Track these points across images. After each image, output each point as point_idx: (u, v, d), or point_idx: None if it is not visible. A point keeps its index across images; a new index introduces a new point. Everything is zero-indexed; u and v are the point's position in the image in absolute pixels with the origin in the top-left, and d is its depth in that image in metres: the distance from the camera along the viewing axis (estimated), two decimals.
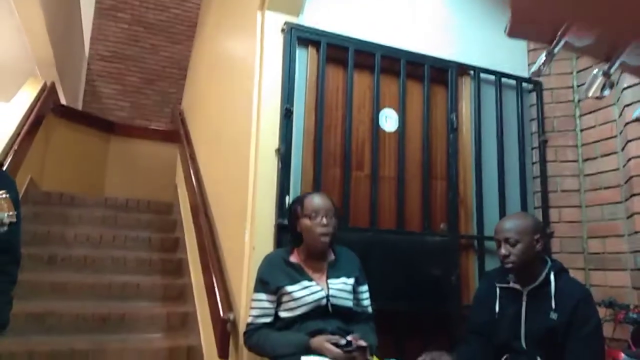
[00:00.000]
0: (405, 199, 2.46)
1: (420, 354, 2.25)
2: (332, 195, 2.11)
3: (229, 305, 2.16)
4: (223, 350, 2.05)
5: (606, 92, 0.31)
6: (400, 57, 2.54)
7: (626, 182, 2.38)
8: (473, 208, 2.61)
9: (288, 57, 2.28)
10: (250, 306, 1.87)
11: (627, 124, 2.35)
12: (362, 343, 1.67)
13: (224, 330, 2.05)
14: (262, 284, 1.86)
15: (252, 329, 1.84)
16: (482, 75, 2.73)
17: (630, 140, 2.33)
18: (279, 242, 2.10)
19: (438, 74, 2.64)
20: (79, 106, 5.99)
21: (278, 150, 2.16)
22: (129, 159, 5.38)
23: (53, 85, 4.63)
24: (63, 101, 5.15)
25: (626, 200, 2.38)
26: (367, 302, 2.00)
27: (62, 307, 2.80)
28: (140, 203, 4.27)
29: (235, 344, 2.09)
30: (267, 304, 1.84)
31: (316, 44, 2.40)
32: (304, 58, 2.37)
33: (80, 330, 2.69)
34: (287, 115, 2.20)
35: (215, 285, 2.27)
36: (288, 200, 2.14)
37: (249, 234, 2.12)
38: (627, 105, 2.36)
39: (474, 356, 2.00)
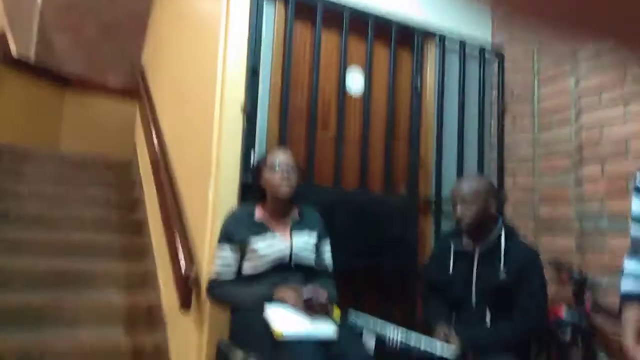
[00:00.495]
0: (368, 160, 2.50)
1: (377, 309, 2.36)
2: (297, 154, 2.13)
3: (191, 260, 2.17)
4: (185, 305, 2.07)
5: None
6: (369, 18, 2.52)
7: (577, 151, 2.50)
8: (432, 171, 2.69)
9: (255, 13, 2.22)
10: (214, 260, 1.89)
11: (582, 94, 2.45)
12: (323, 295, 1.73)
13: (185, 284, 2.06)
14: (226, 238, 1.88)
15: (215, 282, 1.87)
16: (447, 42, 2.76)
17: (583, 110, 2.44)
18: (243, 199, 2.10)
19: (404, 38, 2.65)
20: (31, 58, 5.66)
21: (244, 108, 2.14)
22: (85, 115, 5.17)
23: (3, 34, 4.35)
24: (14, 52, 4.85)
25: (576, 168, 2.51)
26: (328, 259, 2.05)
27: (15, 263, 2.73)
28: (98, 161, 4.15)
29: (198, 298, 2.11)
30: (230, 258, 1.87)
31: (284, 0, 2.35)
32: (272, 14, 2.33)
33: (34, 286, 2.63)
34: (253, 72, 2.16)
35: (176, 241, 2.26)
36: (253, 158, 2.13)
37: (212, 191, 2.11)
38: (583, 76, 2.45)
39: (441, 312, 2.10)
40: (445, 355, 1.71)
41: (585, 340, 2.08)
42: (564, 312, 2.10)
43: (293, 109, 2.37)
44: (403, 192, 2.62)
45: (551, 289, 2.29)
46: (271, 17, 2.32)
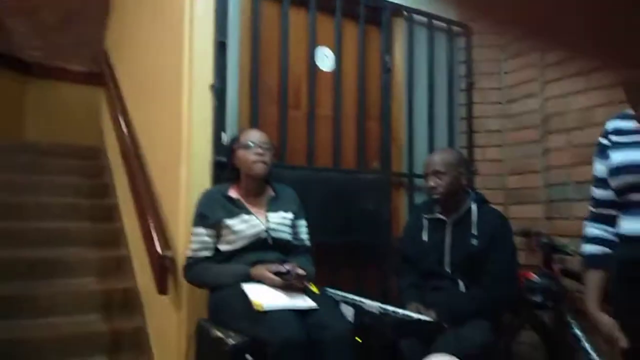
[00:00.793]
0: (341, 138, 2.51)
1: (353, 283, 2.40)
2: (270, 132, 2.11)
3: (166, 243, 2.15)
4: (162, 287, 2.06)
5: None
6: None
7: (543, 122, 2.57)
8: (404, 147, 2.72)
9: None
10: (190, 240, 1.88)
11: (546, 66, 2.51)
12: (300, 271, 1.74)
13: (162, 267, 2.05)
14: (201, 218, 1.87)
15: (192, 262, 1.86)
16: (415, 16, 2.77)
17: (548, 82, 2.50)
18: (216, 179, 2.09)
19: (372, 14, 2.65)
20: None
21: (212, 86, 2.11)
22: (49, 102, 5.00)
23: None
24: None
25: (543, 138, 2.58)
26: (305, 236, 2.07)
27: None
28: (65, 148, 4.04)
29: (174, 281, 2.10)
30: (206, 238, 1.86)
31: None
32: None
33: (8, 278, 2.57)
34: (220, 48, 2.13)
35: (150, 225, 2.23)
36: (224, 137, 2.11)
37: (184, 171, 2.08)
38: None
39: (413, 284, 2.16)
40: (423, 319, 1.76)
41: (555, 303, 2.16)
42: (534, 277, 2.18)
43: (264, 87, 2.36)
44: (376, 169, 2.65)
45: (522, 255, 2.38)
46: None
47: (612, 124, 1.25)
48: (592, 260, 1.30)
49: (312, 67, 2.46)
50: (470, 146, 2.89)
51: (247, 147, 1.90)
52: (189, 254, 1.87)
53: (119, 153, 3.20)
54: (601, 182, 1.26)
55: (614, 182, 1.17)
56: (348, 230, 2.45)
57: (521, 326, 2.28)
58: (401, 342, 1.76)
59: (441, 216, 2.15)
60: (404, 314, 1.74)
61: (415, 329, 1.73)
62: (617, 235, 1.22)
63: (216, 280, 1.80)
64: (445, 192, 2.07)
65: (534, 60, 2.70)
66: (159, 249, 2.08)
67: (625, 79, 1.06)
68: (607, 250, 1.27)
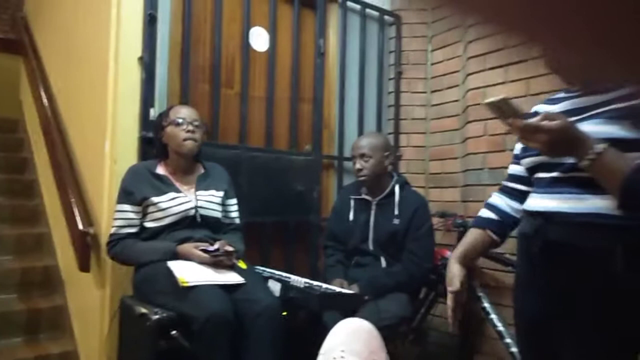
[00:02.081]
0: (274, 119, 2.54)
1: (282, 261, 2.46)
2: (201, 110, 2.10)
3: (88, 220, 2.09)
4: (84, 265, 2.01)
5: None
6: None
7: (463, 112, 2.74)
8: (335, 130, 2.81)
9: None
10: (114, 217, 1.85)
11: (469, 58, 2.68)
12: (229, 248, 1.77)
13: (84, 244, 2.00)
14: (126, 195, 1.84)
15: (116, 239, 1.83)
16: (349, 3, 2.84)
17: (470, 74, 2.66)
18: (143, 155, 2.05)
19: None
20: None
21: (141, 59, 2.06)
22: None
23: None
24: None
25: (462, 127, 2.76)
26: (235, 214, 2.09)
27: None
28: None
29: (97, 258, 2.06)
30: (131, 214, 1.83)
31: None
32: None
33: None
34: (150, 21, 2.07)
35: (72, 201, 2.16)
36: (153, 112, 2.07)
37: (109, 146, 2.03)
38: (470, 42, 2.67)
39: (338, 261, 2.26)
40: (344, 292, 1.86)
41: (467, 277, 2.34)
42: (448, 254, 2.35)
43: (195, 65, 2.33)
44: (308, 150, 2.71)
45: (439, 235, 2.55)
46: None
47: (535, 107, 1.30)
48: (475, 220, 1.37)
49: (246, 47, 2.45)
50: (397, 132, 3.03)
51: (177, 124, 1.88)
52: (113, 230, 1.83)
53: (39, 126, 3.03)
54: (516, 157, 1.31)
55: (524, 161, 1.23)
56: (278, 210, 2.50)
57: (436, 299, 2.45)
58: (325, 315, 1.85)
59: (367, 197, 2.27)
60: (327, 288, 1.82)
61: (337, 302, 1.83)
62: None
63: (141, 257, 1.77)
64: (371, 175, 2.18)
65: (458, 53, 2.86)
66: (80, 225, 2.02)
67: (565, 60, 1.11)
68: (493, 216, 1.33)
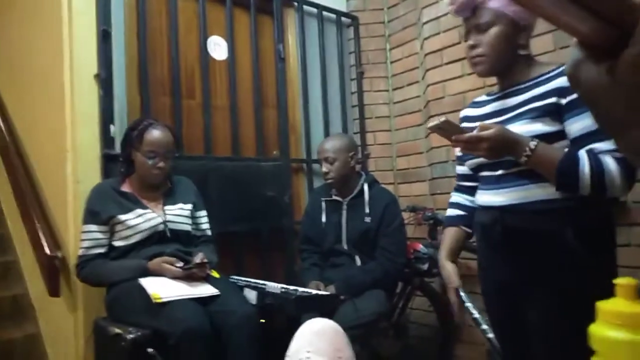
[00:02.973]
0: (239, 127, 2.54)
1: (258, 269, 2.46)
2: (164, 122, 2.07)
3: (55, 244, 2.04)
4: (54, 290, 1.96)
5: None
6: None
7: (425, 107, 2.80)
8: (302, 134, 2.82)
9: None
10: (81, 239, 1.81)
11: (426, 55, 2.73)
12: (198, 259, 1.76)
13: (52, 268, 1.95)
14: (91, 215, 1.81)
15: (85, 260, 1.79)
16: (305, 7, 2.86)
17: (428, 70, 2.72)
18: (106, 173, 2.02)
19: (264, 4, 2.69)
20: None
21: (97, 76, 2.02)
22: None
23: None
24: None
25: (425, 122, 2.81)
26: (206, 226, 2.08)
27: None
28: None
29: (67, 281, 2.01)
30: (98, 234, 1.80)
31: None
32: None
33: None
34: (104, 37, 2.04)
35: (37, 226, 2.10)
36: (113, 129, 2.04)
37: (71, 167, 1.99)
38: (426, 38, 2.73)
39: (314, 264, 2.27)
40: (321, 293, 1.87)
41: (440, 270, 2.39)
42: (420, 247, 2.39)
43: (154, 78, 2.30)
44: (276, 156, 2.71)
45: (410, 229, 2.59)
46: None
47: (463, 112, 1.44)
48: (447, 220, 1.52)
49: (205, 56, 2.44)
50: (363, 131, 3.07)
51: (148, 156, 1.83)
52: (81, 252, 1.80)
53: None
54: (459, 158, 1.45)
55: (468, 163, 1.35)
56: (251, 218, 2.50)
57: (413, 293, 2.49)
58: (302, 318, 1.86)
59: (337, 198, 2.29)
60: (303, 291, 1.83)
61: (314, 304, 1.84)
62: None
63: (111, 277, 1.75)
64: (338, 176, 2.21)
65: (415, 50, 2.92)
66: (47, 250, 1.97)
67: None
68: (461, 212, 1.48)
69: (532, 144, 1.10)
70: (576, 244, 1.12)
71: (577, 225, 1.13)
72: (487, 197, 1.28)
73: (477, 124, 1.14)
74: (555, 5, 0.42)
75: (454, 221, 1.49)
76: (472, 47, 1.25)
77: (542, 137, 1.13)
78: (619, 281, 0.51)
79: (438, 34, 2.66)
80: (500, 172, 1.24)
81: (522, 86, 1.23)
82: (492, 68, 1.25)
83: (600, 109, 0.44)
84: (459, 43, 2.56)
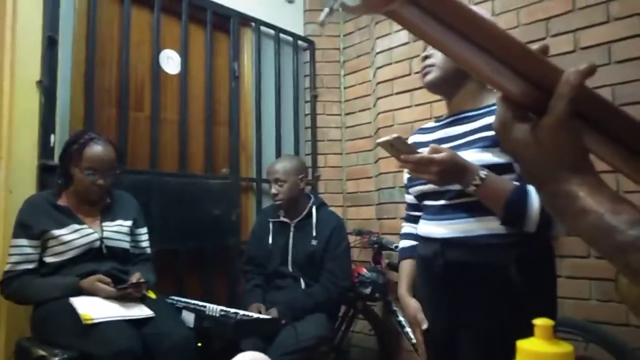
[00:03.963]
0: (188, 142, 2.50)
1: (200, 288, 2.39)
2: (109, 135, 2.00)
3: None
4: None
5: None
6: None
7: (375, 133, 2.86)
8: (253, 153, 2.81)
9: None
10: (9, 253, 1.70)
11: (378, 83, 2.81)
12: (134, 279, 1.70)
13: None
14: (23, 229, 1.71)
15: (12, 276, 1.68)
16: (263, 28, 2.88)
17: (380, 98, 2.80)
18: (42, 184, 1.92)
19: (221, 22, 2.69)
20: None
21: (40, 83, 1.94)
22: None
23: None
24: None
25: (374, 148, 2.88)
26: (145, 244, 2.01)
27: None
28: None
29: None
30: (29, 249, 1.70)
31: None
32: None
33: None
34: (50, 44, 1.96)
35: None
36: (54, 138, 1.96)
37: (4, 175, 1.88)
38: (379, 67, 2.81)
39: (257, 285, 2.24)
40: (261, 317, 1.84)
41: (382, 295, 2.43)
42: (364, 272, 2.42)
43: (101, 88, 2.24)
44: (225, 173, 2.68)
45: (356, 252, 2.62)
46: None
47: (411, 139, 1.39)
48: (402, 252, 1.47)
49: (156, 70, 2.40)
50: (314, 153, 3.09)
51: (87, 173, 1.76)
52: (7, 267, 1.68)
53: None
54: (406, 187, 1.41)
55: (412, 190, 1.32)
56: (195, 236, 2.44)
57: (355, 316, 2.51)
58: (242, 343, 1.82)
59: (285, 219, 2.29)
60: (243, 315, 1.80)
61: (255, 328, 1.81)
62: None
63: (40, 294, 1.64)
64: (286, 198, 2.21)
65: (368, 78, 3.00)
66: None
67: None
68: (414, 243, 1.41)
69: (483, 173, 1.06)
70: (518, 277, 1.09)
71: (519, 258, 1.11)
72: (428, 228, 1.25)
73: (425, 149, 1.10)
74: (488, 65, 0.45)
75: (408, 253, 1.43)
76: (426, 57, 1.24)
77: (491, 168, 1.08)
78: (537, 322, 0.53)
79: (390, 64, 2.75)
80: (442, 202, 1.21)
81: (473, 113, 1.21)
82: (440, 79, 1.22)
83: (524, 164, 0.48)
84: (409, 74, 2.66)
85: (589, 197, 0.41)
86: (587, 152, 0.45)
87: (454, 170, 1.06)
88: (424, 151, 1.10)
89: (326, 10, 0.40)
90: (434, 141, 1.24)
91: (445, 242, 1.18)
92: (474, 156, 1.11)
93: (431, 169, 1.05)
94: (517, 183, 1.08)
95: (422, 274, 1.33)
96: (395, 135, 1.05)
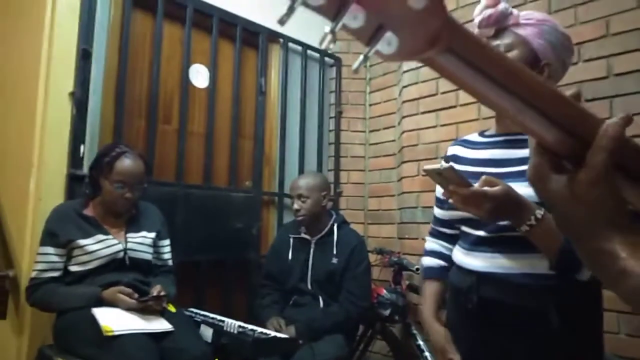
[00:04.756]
0: (213, 156, 2.52)
1: (219, 302, 2.40)
2: (136, 146, 2.05)
3: (8, 261, 1.95)
4: (0, 311, 1.86)
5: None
6: (213, 14, 2.54)
7: (399, 152, 2.85)
8: (276, 167, 2.82)
9: None
10: (35, 260, 1.74)
11: (404, 102, 2.80)
12: (155, 292, 1.71)
13: (1, 288, 1.86)
14: (50, 237, 1.74)
15: (37, 284, 1.72)
16: (290, 44, 2.91)
17: (405, 116, 2.78)
18: (70, 194, 1.96)
19: (250, 37, 2.73)
20: None
21: (72, 94, 1.99)
22: None
23: None
24: None
25: (398, 166, 2.86)
26: (167, 256, 2.02)
27: None
28: None
29: (16, 304, 1.92)
30: (55, 258, 1.74)
31: None
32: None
33: None
34: (84, 56, 2.02)
35: None
36: (83, 149, 2.00)
37: (34, 184, 1.93)
38: (405, 86, 2.80)
39: (275, 301, 2.23)
40: (279, 336, 1.83)
41: (402, 317, 2.39)
42: (384, 293, 2.39)
43: (132, 100, 2.28)
44: (248, 187, 2.70)
45: (376, 271, 2.59)
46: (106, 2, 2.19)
47: (452, 150, 1.26)
48: (427, 272, 1.34)
49: (185, 83, 2.44)
50: (337, 169, 3.09)
51: (117, 184, 1.79)
52: (33, 274, 1.72)
53: None
54: (440, 202, 1.28)
55: (446, 214, 1.21)
56: (216, 248, 2.45)
57: (373, 337, 2.47)
58: None
59: (306, 236, 2.28)
60: (261, 332, 1.79)
61: (272, 347, 1.80)
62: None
63: (63, 303, 1.67)
64: (308, 215, 2.21)
65: (394, 96, 2.99)
66: None
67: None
68: (442, 262, 1.31)
69: (539, 213, 0.94)
70: (560, 324, 0.98)
71: (561, 303, 1.00)
72: (464, 258, 1.14)
73: (468, 168, 1.01)
74: (523, 114, 0.43)
75: (434, 274, 1.32)
76: None
77: (542, 204, 0.95)
78: None
79: (417, 83, 2.74)
80: (481, 232, 1.10)
81: (526, 137, 1.12)
82: None
83: (560, 218, 0.46)
84: (435, 94, 2.64)
85: (631, 259, 0.39)
86: (627, 206, 0.43)
87: (508, 207, 0.95)
88: (466, 169, 0.99)
89: (361, 57, 0.40)
90: (480, 160, 1.15)
91: (480, 277, 1.09)
92: (527, 190, 0.97)
93: (484, 205, 0.94)
94: None
95: (454, 305, 1.22)
96: (446, 164, 0.95)
